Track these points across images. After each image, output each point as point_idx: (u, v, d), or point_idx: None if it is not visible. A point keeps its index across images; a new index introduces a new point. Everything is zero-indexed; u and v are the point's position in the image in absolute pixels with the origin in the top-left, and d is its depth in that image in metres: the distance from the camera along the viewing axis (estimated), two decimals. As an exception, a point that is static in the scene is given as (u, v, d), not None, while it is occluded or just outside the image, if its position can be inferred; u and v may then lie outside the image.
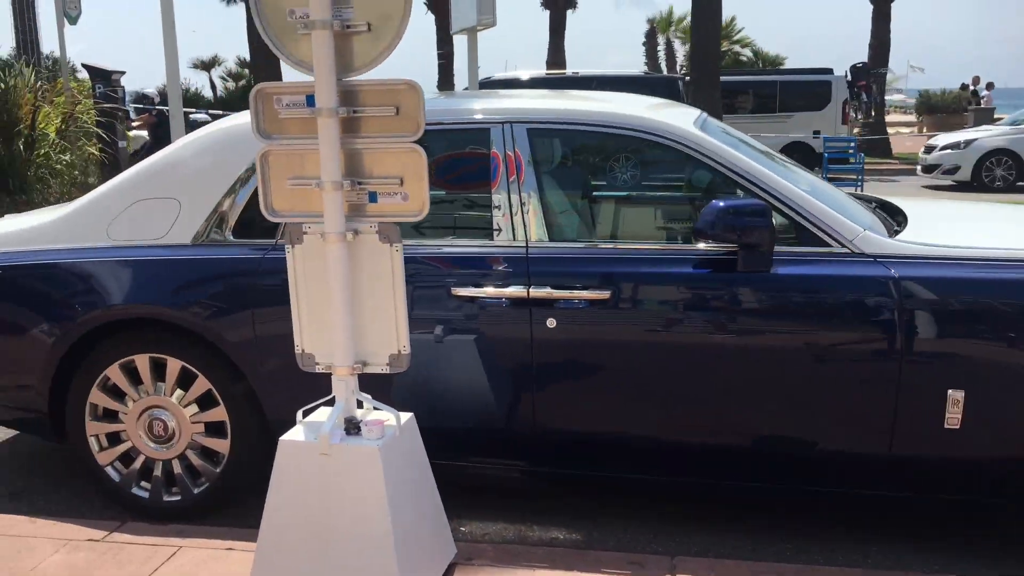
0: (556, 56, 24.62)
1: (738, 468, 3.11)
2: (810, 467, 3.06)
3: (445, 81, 25.06)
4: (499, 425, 3.19)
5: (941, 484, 2.99)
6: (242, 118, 3.54)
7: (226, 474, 3.40)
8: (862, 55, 24.33)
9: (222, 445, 3.39)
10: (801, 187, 3.11)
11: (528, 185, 3.17)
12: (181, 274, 3.34)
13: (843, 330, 2.92)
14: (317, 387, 3.21)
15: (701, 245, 3.05)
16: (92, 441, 3.48)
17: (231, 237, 3.36)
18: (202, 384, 3.35)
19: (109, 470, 3.49)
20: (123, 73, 13.44)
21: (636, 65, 31.17)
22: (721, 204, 2.92)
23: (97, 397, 3.44)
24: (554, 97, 3.54)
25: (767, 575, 2.79)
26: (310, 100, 2.55)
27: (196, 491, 3.43)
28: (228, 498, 3.43)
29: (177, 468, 3.44)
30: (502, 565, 2.84)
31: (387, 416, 2.63)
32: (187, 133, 4.55)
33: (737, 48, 25.55)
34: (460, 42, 22.95)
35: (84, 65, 12.96)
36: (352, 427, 2.57)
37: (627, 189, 3.81)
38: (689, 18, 27.93)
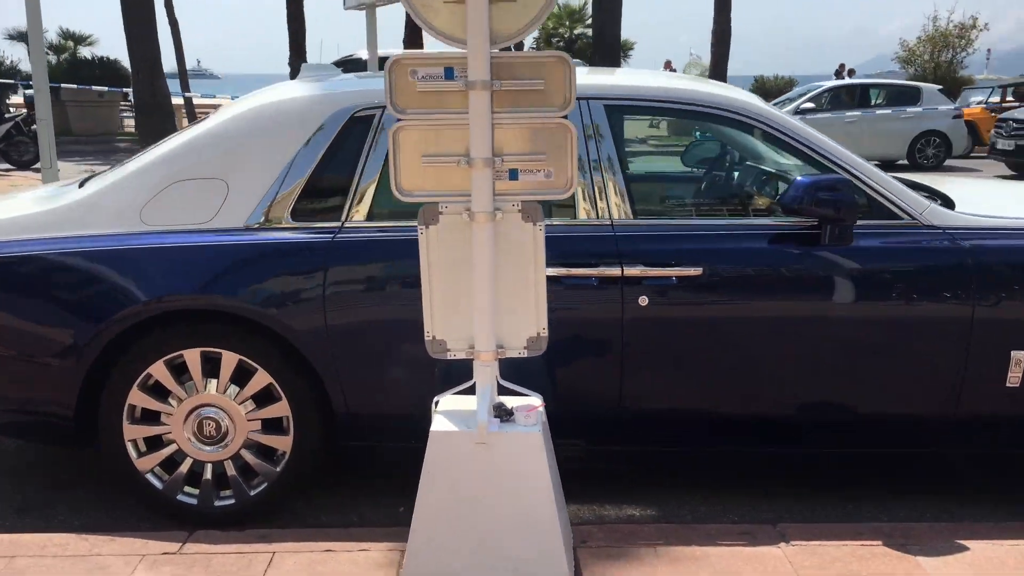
0: (414, 36, 24.24)
1: (826, 435, 3.23)
2: (886, 430, 3.22)
3: (297, 56, 24.16)
4: (584, 405, 3.16)
5: (1000, 440, 3.23)
6: (291, 91, 3.32)
7: (287, 472, 3.19)
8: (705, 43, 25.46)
9: (283, 442, 3.17)
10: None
11: (609, 162, 3.15)
12: (241, 261, 3.09)
13: (919, 298, 3.09)
14: (393, 377, 3.09)
15: (783, 220, 3.14)
16: (130, 446, 3.17)
17: (291, 220, 3.14)
18: (261, 379, 3.12)
19: (150, 477, 3.20)
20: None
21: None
22: (808, 180, 3.01)
23: (137, 397, 3.13)
24: (629, 74, 3.51)
25: (869, 534, 2.93)
26: (448, 72, 2.43)
27: (253, 492, 3.20)
28: (287, 498, 3.23)
29: (230, 470, 3.20)
30: (621, 544, 2.83)
31: (532, 401, 2.56)
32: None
33: (588, 32, 26.11)
34: (312, 18, 22.23)
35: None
36: (504, 414, 2.48)
37: (705, 166, 3.85)
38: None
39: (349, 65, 14.59)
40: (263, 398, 3.16)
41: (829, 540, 2.87)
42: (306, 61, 24.05)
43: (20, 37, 30.72)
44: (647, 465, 3.44)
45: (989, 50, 31.15)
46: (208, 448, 3.17)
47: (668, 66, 22.47)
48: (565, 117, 2.44)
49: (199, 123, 3.33)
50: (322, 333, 3.07)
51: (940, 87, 17.80)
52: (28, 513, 3.34)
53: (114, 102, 23.50)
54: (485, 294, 2.47)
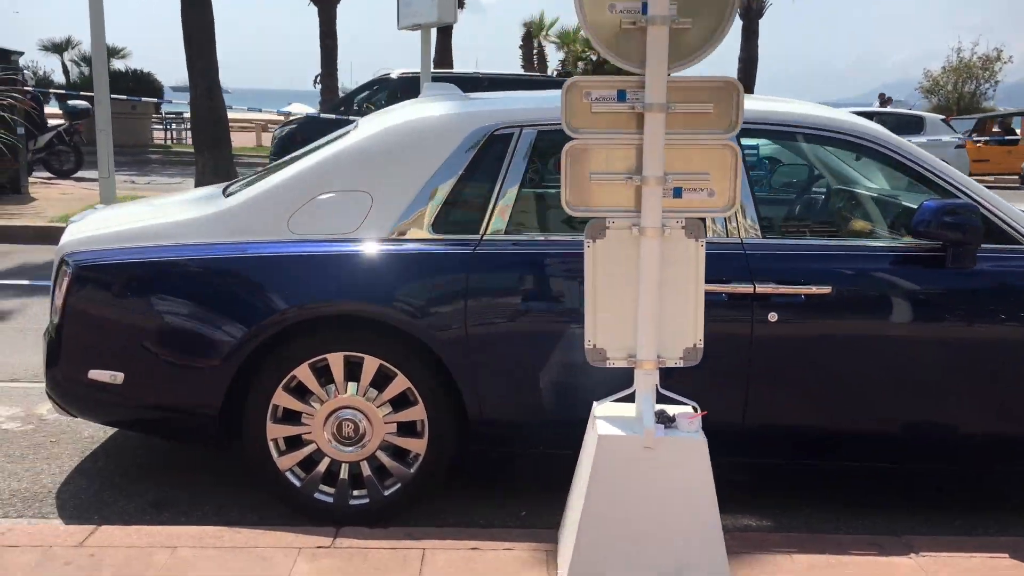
0: (444, 56, 24.57)
1: (948, 452, 3.34)
2: (1005, 448, 3.33)
3: (329, 74, 24.47)
4: (710, 418, 3.27)
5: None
6: (431, 110, 3.46)
7: (421, 474, 3.31)
8: (731, 70, 25.68)
9: (417, 445, 3.29)
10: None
11: (738, 183, 3.27)
12: (385, 270, 3.22)
13: (1038, 321, 3.20)
14: (528, 386, 3.21)
15: (908, 242, 3.26)
16: (271, 445, 3.29)
17: (432, 232, 3.27)
18: (400, 383, 3.25)
19: (289, 475, 3.32)
20: (21, 53, 12.42)
21: (511, 68, 31.52)
22: (935, 204, 3.14)
23: (281, 398, 3.26)
24: (757, 100, 3.65)
25: (992, 547, 3.03)
26: (621, 95, 2.57)
27: (387, 493, 3.32)
28: (418, 499, 3.34)
29: (366, 470, 3.32)
30: (755, 551, 2.93)
31: (689, 408, 2.68)
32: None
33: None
34: (344, 35, 22.51)
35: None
36: (666, 420, 2.60)
37: (826, 187, 3.98)
38: (559, 24, 28.51)
39: (379, 84, 14.83)
40: (399, 402, 3.28)
41: (954, 552, 2.97)
42: (335, 78, 24.33)
43: (55, 48, 31.24)
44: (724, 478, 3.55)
45: (997, 82, 31.29)
46: (346, 449, 3.30)
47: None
48: (730, 139, 2.58)
49: (341, 138, 3.48)
50: (461, 341, 3.20)
51: (943, 117, 18.09)
52: (164, 508, 3.46)
53: (147, 114, 23.83)
54: (650, 305, 2.60)
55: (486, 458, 3.54)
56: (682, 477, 2.52)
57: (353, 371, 3.26)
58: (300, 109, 19.09)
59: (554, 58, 32.53)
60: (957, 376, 3.22)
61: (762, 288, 3.16)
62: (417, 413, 3.27)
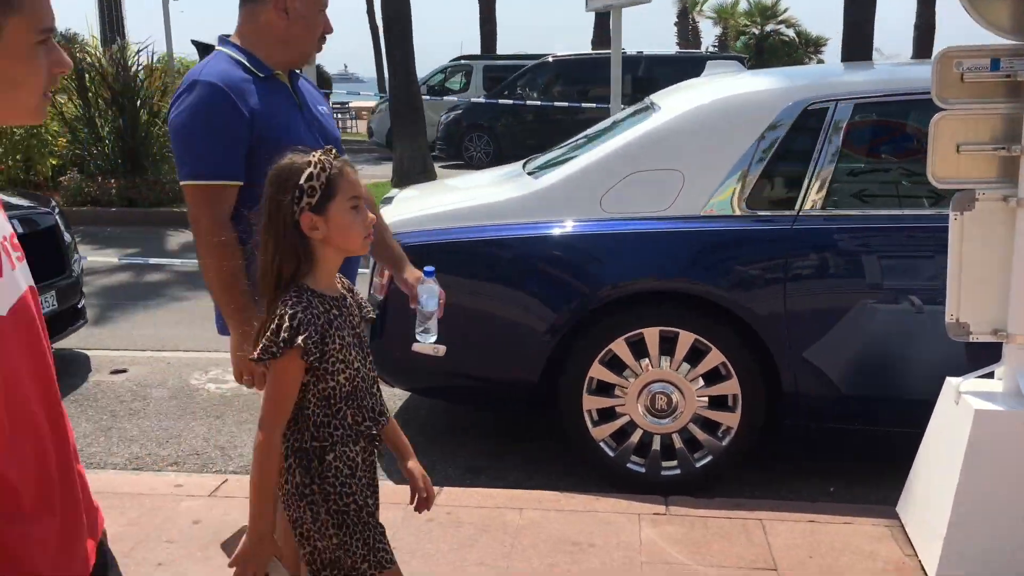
0: (601, 36, 24.45)
1: None
2: None
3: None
4: None
5: None
6: (740, 86, 3.49)
7: (732, 447, 3.36)
8: (907, 39, 24.41)
9: (730, 418, 3.35)
10: None
11: None
12: (702, 247, 3.30)
13: None
14: (844, 361, 3.19)
15: None
16: (587, 416, 3.42)
17: (746, 208, 3.31)
18: (714, 357, 3.30)
19: (603, 445, 3.44)
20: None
21: (667, 45, 31.10)
22: None
23: (597, 371, 3.38)
24: None
25: None
26: (995, 64, 2.52)
27: (698, 464, 3.39)
28: (727, 470, 3.40)
29: (678, 442, 3.40)
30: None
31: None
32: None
33: (782, 28, 25.65)
34: (504, 14, 22.69)
35: (193, 42, 12.71)
36: (1039, 395, 2.55)
37: None
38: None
39: (538, 68, 14.98)
40: (712, 376, 3.34)
41: None
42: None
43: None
44: None
45: None
46: (658, 421, 3.39)
47: None
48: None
49: (645, 117, 3.55)
50: (779, 316, 3.22)
51: None
52: (480, 473, 3.66)
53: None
54: (1021, 278, 2.54)
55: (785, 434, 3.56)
56: (1066, 453, 2.47)
57: (667, 346, 3.34)
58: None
59: (710, 34, 31.90)
60: None
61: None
62: (730, 387, 3.33)
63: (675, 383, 3.36)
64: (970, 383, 2.68)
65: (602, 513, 3.05)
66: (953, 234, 2.64)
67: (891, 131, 3.47)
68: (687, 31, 30.28)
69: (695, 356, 3.33)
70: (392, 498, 3.14)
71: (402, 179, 11.01)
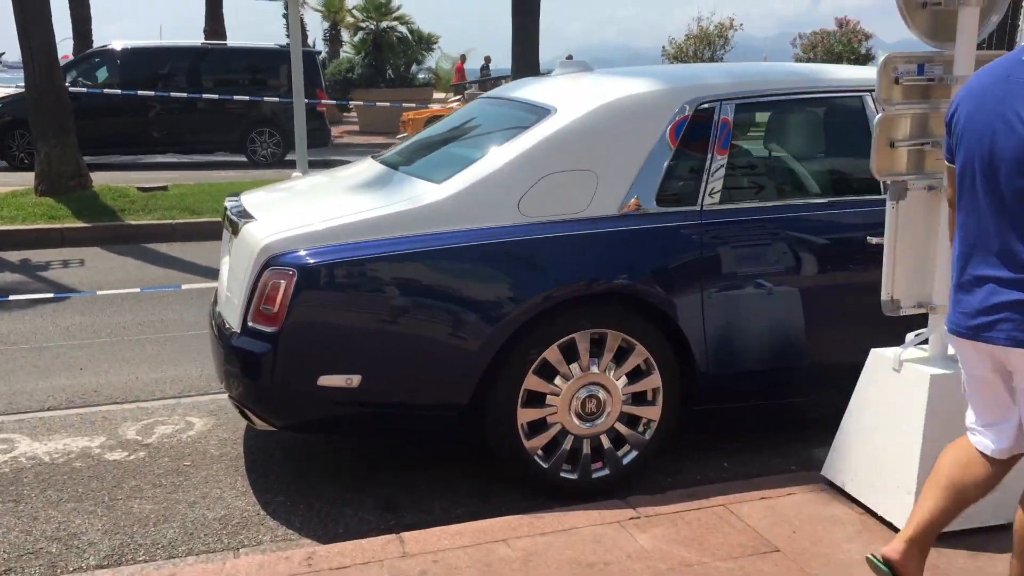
0: (215, 28, 23.08)
1: None
2: None
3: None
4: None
5: None
6: (636, 85, 3.54)
7: (655, 439, 3.45)
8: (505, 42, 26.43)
9: (652, 412, 3.43)
10: None
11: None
12: (625, 247, 3.31)
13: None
14: (753, 342, 3.45)
15: None
16: (520, 430, 3.28)
17: (656, 206, 3.39)
18: (639, 354, 3.36)
19: (536, 457, 3.33)
20: None
21: (278, 37, 30.22)
22: None
23: (532, 382, 3.26)
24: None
25: None
26: (920, 69, 2.87)
27: (625, 462, 3.43)
28: (649, 464, 3.48)
29: (606, 442, 3.40)
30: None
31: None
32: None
33: (397, 25, 26.21)
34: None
35: None
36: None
37: None
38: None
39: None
40: (635, 373, 3.39)
41: None
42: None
43: None
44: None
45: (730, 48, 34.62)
46: (586, 424, 3.36)
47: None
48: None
49: (551, 118, 3.45)
50: (697, 307, 3.37)
51: None
52: (398, 510, 3.33)
53: None
54: (944, 257, 2.93)
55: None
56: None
57: (595, 348, 3.32)
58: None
59: (318, 28, 31.60)
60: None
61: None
62: (653, 381, 3.40)
63: (603, 384, 3.35)
64: (909, 351, 3.03)
65: (585, 528, 2.95)
66: (889, 221, 2.96)
67: (774, 126, 3.78)
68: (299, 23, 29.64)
69: (621, 355, 3.35)
70: (347, 560, 2.76)
71: (53, 185, 9.49)
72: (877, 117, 2.89)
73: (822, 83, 3.72)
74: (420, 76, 27.51)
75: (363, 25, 25.92)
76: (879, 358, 3.09)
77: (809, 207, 3.56)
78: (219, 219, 4.02)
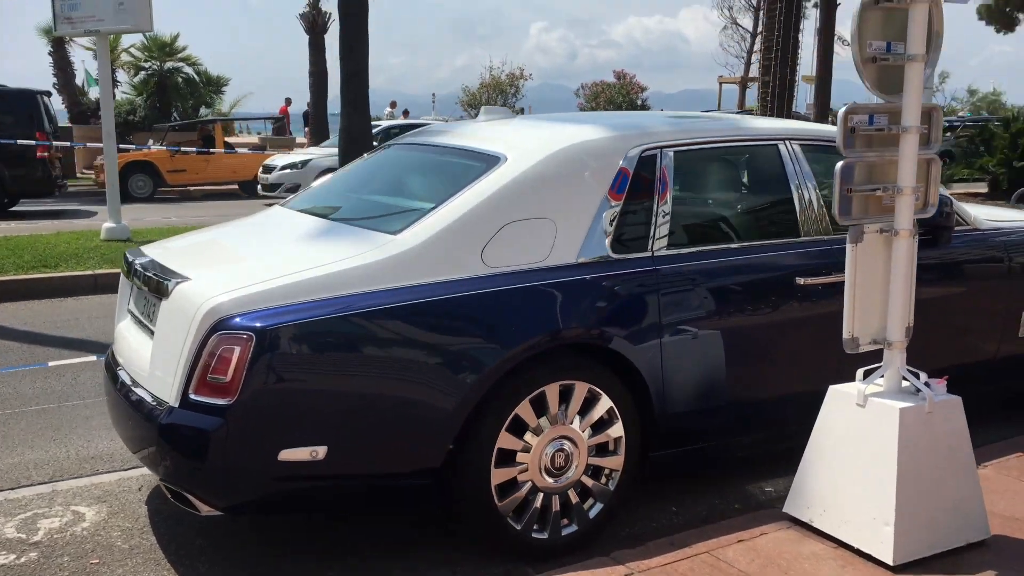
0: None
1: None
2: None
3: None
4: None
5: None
6: (588, 132, 3.51)
7: (619, 490, 3.39)
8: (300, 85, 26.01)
9: (614, 462, 3.36)
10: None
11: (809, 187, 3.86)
12: (589, 296, 3.24)
13: (986, 277, 4.33)
14: (713, 392, 3.50)
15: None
16: (495, 491, 3.11)
17: (611, 253, 3.35)
18: (603, 404, 3.30)
19: (509, 519, 3.16)
20: None
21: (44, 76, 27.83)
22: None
23: (504, 440, 3.11)
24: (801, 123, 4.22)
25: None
26: (870, 120, 3.05)
27: (592, 516, 3.34)
28: (615, 516, 3.41)
29: (573, 497, 3.30)
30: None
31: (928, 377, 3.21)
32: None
33: (183, 66, 24.84)
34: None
35: None
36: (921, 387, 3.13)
37: None
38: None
39: None
40: (599, 423, 3.32)
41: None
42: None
43: None
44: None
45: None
46: (555, 480, 3.24)
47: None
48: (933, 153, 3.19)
49: (505, 165, 3.32)
50: (656, 353, 3.36)
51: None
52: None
53: None
54: (902, 295, 3.11)
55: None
56: (950, 431, 3.09)
57: (562, 400, 3.22)
58: None
59: (91, 65, 29.50)
60: (952, 317, 4.18)
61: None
62: (616, 431, 3.35)
63: (571, 437, 3.25)
64: (871, 386, 3.15)
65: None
66: (849, 263, 3.09)
67: (708, 173, 3.85)
68: (64, 62, 27.44)
69: (586, 406, 3.27)
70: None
71: None
72: (837, 165, 3.03)
73: (746, 132, 3.88)
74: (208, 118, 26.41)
75: (145, 65, 24.54)
76: (839, 394, 3.21)
77: (746, 249, 3.66)
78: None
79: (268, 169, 16.52)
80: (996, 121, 18.61)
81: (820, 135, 4.06)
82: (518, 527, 3.18)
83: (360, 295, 2.93)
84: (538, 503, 3.22)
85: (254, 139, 26.96)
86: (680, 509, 3.72)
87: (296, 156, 16.90)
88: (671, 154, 3.56)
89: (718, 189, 3.98)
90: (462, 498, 3.09)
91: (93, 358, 5.55)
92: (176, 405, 2.88)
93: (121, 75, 26.65)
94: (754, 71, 37.09)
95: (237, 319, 2.82)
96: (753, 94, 35.12)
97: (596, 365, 3.27)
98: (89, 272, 8.19)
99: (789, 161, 3.83)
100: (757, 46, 36.74)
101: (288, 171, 16.14)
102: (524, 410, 3.13)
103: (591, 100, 35.65)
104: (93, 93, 24.20)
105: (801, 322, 3.71)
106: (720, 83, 37.56)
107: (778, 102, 13.72)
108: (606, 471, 3.36)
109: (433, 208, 3.24)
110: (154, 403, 2.99)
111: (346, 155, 11.02)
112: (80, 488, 3.83)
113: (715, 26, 40.46)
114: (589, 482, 3.33)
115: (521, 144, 3.49)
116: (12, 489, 3.82)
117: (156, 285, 3.16)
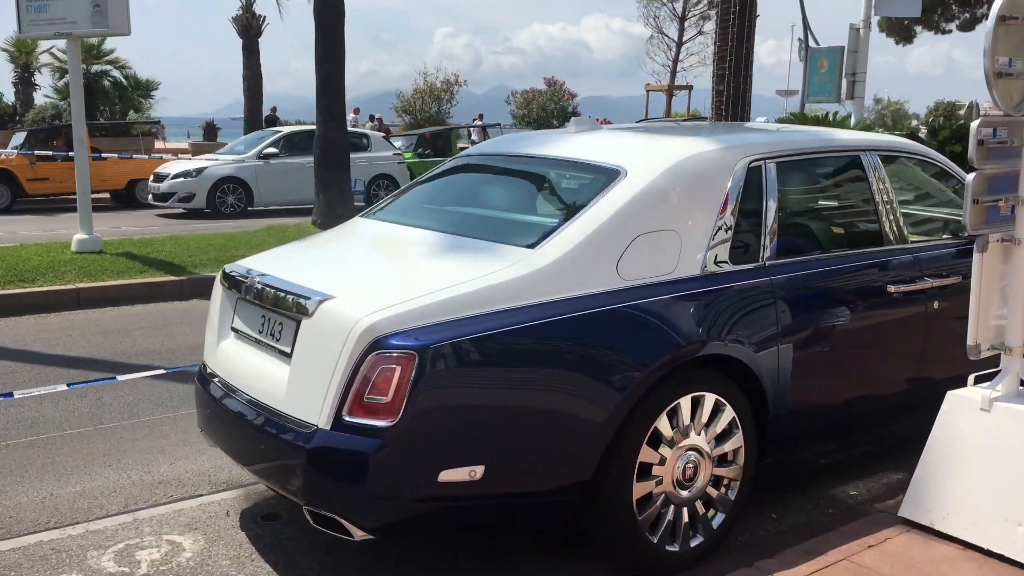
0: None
1: None
2: None
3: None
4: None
5: None
6: (700, 145, 3.51)
7: (739, 500, 3.40)
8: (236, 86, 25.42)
9: (735, 472, 3.38)
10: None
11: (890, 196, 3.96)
12: (718, 307, 3.25)
13: None
14: (824, 399, 3.56)
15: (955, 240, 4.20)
16: (636, 505, 3.09)
17: (730, 264, 3.37)
18: (727, 415, 3.31)
19: (648, 532, 3.14)
20: None
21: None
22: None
23: (645, 454, 3.09)
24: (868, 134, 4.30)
25: None
26: (994, 132, 3.15)
27: (715, 525, 3.34)
28: (735, 525, 3.43)
29: (700, 508, 3.30)
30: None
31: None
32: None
33: (111, 69, 23.85)
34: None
35: None
36: (1037, 392, 3.24)
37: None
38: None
39: None
40: (723, 434, 3.33)
41: None
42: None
43: None
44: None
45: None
46: (685, 492, 3.24)
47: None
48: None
49: (628, 178, 3.30)
50: (773, 361, 3.39)
51: (384, 135, 18.94)
52: None
53: None
54: (1022, 303, 3.21)
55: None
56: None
57: (692, 411, 3.22)
58: None
59: (7, 70, 28.27)
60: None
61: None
62: (737, 440, 3.36)
63: (699, 448, 3.25)
64: (996, 392, 3.24)
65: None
66: (975, 271, 3.18)
67: (803, 184, 3.89)
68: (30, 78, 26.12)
69: (711, 416, 3.28)
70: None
71: None
72: (969, 177, 3.11)
73: (833, 143, 3.95)
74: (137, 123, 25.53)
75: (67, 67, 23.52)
76: (960, 400, 3.29)
77: (851, 257, 3.73)
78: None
79: (160, 178, 15.25)
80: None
81: (892, 146, 4.17)
82: (655, 540, 3.16)
83: (509, 311, 2.88)
84: (671, 515, 3.20)
85: (184, 144, 26.20)
86: (779, 516, 3.75)
87: (190, 164, 15.72)
88: (772, 166, 3.60)
89: (812, 199, 4.04)
90: (601, 513, 3.06)
91: (114, 377, 5.29)
92: (327, 427, 2.76)
93: (45, 77, 25.61)
94: (680, 79, 38.02)
95: (395, 338, 2.72)
96: (679, 102, 35.99)
97: (721, 376, 3.28)
98: (71, 286, 7.81)
99: (870, 171, 3.92)
100: (683, 55, 37.66)
101: (181, 179, 15.01)
102: (662, 423, 3.11)
103: (523, 107, 35.85)
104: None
105: (895, 327, 3.80)
106: (647, 91, 38.21)
107: (732, 110, 14.03)
108: (725, 481, 3.37)
109: (563, 222, 3.20)
110: (295, 426, 2.86)
111: (323, 163, 10.81)
112: (163, 516, 3.64)
113: (616, 34, 41.14)
114: (713, 492, 3.33)
115: (638, 157, 3.46)
116: (91, 520, 3.60)
117: (289, 303, 3.03)
